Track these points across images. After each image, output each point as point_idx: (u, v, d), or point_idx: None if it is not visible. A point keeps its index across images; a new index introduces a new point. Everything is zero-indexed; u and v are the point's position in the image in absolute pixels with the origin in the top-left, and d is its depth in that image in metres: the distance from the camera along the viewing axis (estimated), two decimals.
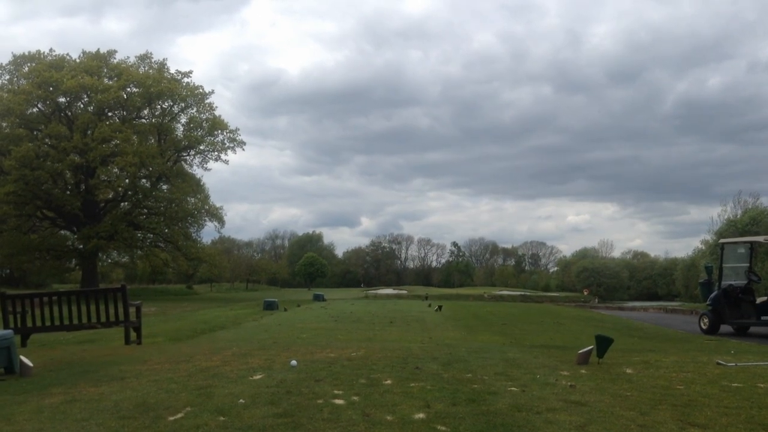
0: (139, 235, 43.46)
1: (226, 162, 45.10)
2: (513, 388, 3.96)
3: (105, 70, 41.02)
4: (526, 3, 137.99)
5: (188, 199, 43.18)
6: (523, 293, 63.30)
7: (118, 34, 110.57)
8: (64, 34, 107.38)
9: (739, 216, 35.55)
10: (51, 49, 41.18)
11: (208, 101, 43.39)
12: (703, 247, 40.76)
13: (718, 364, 5.18)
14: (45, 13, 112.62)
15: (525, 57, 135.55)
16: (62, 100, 39.51)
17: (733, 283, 15.05)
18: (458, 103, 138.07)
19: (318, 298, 30.02)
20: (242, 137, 45.13)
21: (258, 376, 4.50)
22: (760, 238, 16.79)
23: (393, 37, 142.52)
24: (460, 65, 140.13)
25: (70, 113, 40.56)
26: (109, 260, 50.17)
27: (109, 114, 41.82)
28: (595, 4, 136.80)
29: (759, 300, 14.64)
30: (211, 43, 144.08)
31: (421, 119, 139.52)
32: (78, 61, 40.98)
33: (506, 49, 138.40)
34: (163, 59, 43.79)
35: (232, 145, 43.87)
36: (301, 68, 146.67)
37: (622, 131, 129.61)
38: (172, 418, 3.30)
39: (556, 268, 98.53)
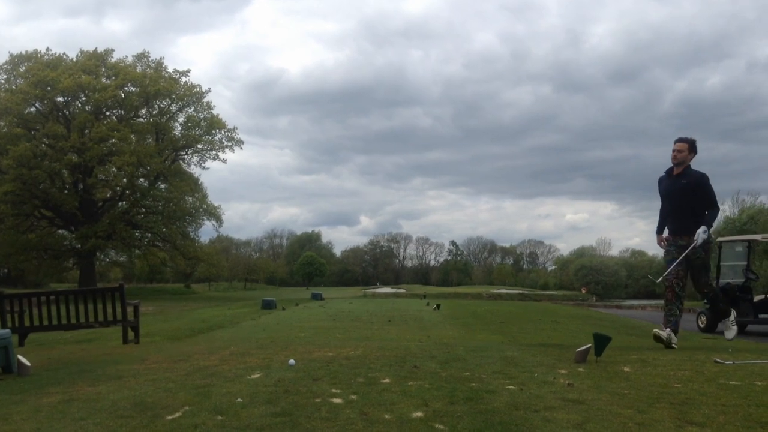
0: (137, 234, 43.43)
1: (224, 161, 45.18)
2: (511, 387, 3.96)
3: (102, 70, 40.96)
4: (527, 3, 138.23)
5: (186, 198, 43.19)
6: (521, 292, 63.37)
7: (120, 35, 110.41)
8: (66, 34, 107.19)
9: (737, 215, 35.60)
10: (48, 49, 41.12)
11: (205, 100, 43.40)
12: None
13: (716, 362, 5.18)
14: (47, 13, 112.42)
15: (525, 57, 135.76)
16: (60, 99, 39.47)
17: (731, 281, 15.06)
18: (459, 102, 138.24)
19: (316, 297, 30.01)
20: (242, 137, 45.52)
21: (256, 375, 4.50)
22: (758, 237, 16.81)
23: (394, 36, 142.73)
24: (461, 65, 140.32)
25: (67, 112, 40.51)
26: (107, 259, 50.18)
27: (107, 113, 41.78)
28: (595, 3, 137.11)
29: (757, 298, 14.66)
30: (212, 42, 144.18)
31: (421, 119, 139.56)
32: (75, 60, 40.91)
33: (507, 48, 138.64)
34: (160, 58, 43.84)
35: (230, 144, 43.94)
36: (302, 68, 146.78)
37: (621, 130, 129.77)
38: (170, 417, 3.29)
39: (554, 267, 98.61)
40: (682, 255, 6.35)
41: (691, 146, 6.59)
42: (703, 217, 6.49)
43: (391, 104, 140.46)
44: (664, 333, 6.35)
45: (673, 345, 6.33)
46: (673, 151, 6.60)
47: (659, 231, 6.89)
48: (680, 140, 6.60)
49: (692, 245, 6.30)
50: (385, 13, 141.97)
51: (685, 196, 6.51)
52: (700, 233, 6.28)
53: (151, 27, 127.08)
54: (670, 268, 6.43)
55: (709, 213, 6.50)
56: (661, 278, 6.71)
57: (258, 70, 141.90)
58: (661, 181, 6.86)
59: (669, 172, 6.73)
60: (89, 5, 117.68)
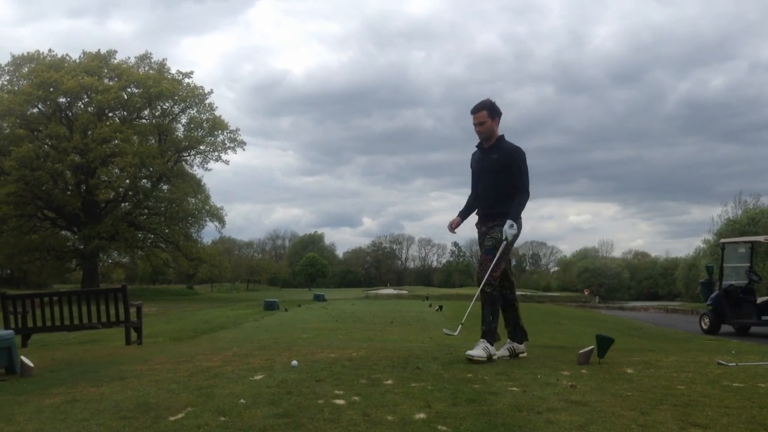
0: (139, 235, 43.47)
1: (227, 162, 45.15)
2: (514, 388, 3.96)
3: (105, 71, 41.00)
4: (529, 4, 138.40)
5: (189, 199, 43.24)
6: (523, 293, 63.27)
7: (124, 36, 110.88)
8: (70, 35, 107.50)
9: (739, 216, 35.54)
10: (50, 50, 41.18)
11: (208, 101, 43.44)
12: (704, 247, 40.75)
13: (719, 364, 5.17)
14: (51, 14, 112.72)
15: (528, 58, 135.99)
16: (62, 100, 39.52)
17: (734, 282, 15.05)
18: (461, 103, 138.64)
19: (318, 298, 30.02)
20: (245, 138, 45.34)
21: (259, 377, 4.50)
22: (761, 238, 16.80)
23: (396, 37, 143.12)
24: (464, 66, 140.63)
25: (70, 114, 40.57)
26: (110, 260, 50.26)
27: (110, 114, 41.83)
28: (597, 4, 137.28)
29: (760, 300, 14.65)
30: (215, 44, 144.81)
31: (423, 120, 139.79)
32: (78, 61, 40.96)
33: (509, 49, 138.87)
34: (163, 59, 43.87)
35: (232, 145, 43.95)
36: (305, 69, 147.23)
37: (624, 131, 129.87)
38: (172, 418, 3.29)
39: (556, 268, 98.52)
40: (496, 257, 5.19)
41: (491, 110, 5.39)
42: (510, 198, 5.33)
43: (394, 105, 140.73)
44: (475, 349, 5.15)
45: (494, 357, 5.18)
46: (475, 125, 5.40)
47: (459, 214, 5.71)
48: (476, 109, 5.40)
49: (503, 243, 5.20)
50: (387, 14, 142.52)
51: (494, 174, 5.36)
52: (507, 230, 5.15)
53: (155, 28, 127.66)
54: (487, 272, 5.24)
55: (515, 200, 5.31)
56: (455, 331, 5.35)
57: (261, 71, 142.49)
58: (473, 155, 5.65)
59: (480, 145, 5.55)
60: (93, 6, 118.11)
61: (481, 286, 5.26)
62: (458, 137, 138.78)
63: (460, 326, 5.35)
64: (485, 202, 5.48)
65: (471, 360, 5.03)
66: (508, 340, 5.61)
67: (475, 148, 5.62)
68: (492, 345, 5.23)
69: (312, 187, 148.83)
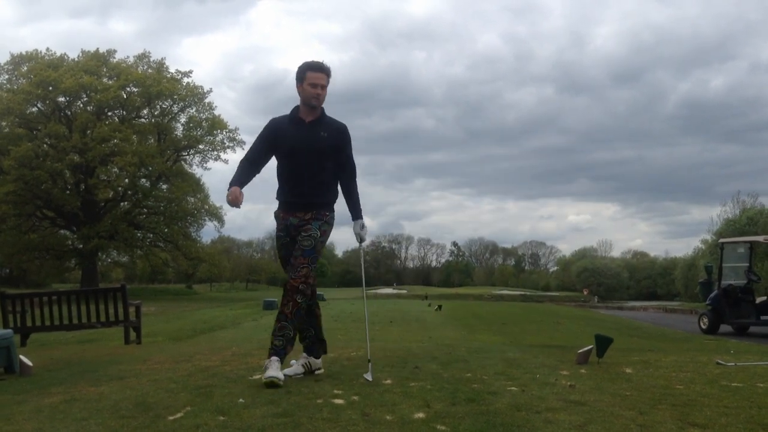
0: (138, 234, 43.47)
1: (226, 162, 45.10)
2: (513, 388, 3.96)
3: (104, 70, 40.99)
4: (530, 4, 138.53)
5: (188, 198, 43.25)
6: (522, 293, 63.35)
7: (125, 36, 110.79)
8: (71, 35, 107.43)
9: (738, 216, 35.60)
10: (48, 49, 41.13)
11: (207, 101, 43.41)
12: (703, 247, 40.81)
13: (718, 363, 5.18)
14: (53, 14, 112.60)
15: (529, 58, 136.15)
16: (61, 99, 39.52)
17: (732, 282, 15.06)
18: (462, 103, 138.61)
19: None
20: (245, 137, 45.25)
21: (258, 376, 4.49)
22: (760, 238, 16.82)
23: (397, 38, 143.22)
24: (464, 66, 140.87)
25: (69, 113, 40.55)
26: (109, 260, 50.25)
27: (109, 113, 41.82)
28: (598, 5, 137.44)
29: (759, 300, 14.66)
30: (216, 44, 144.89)
31: (424, 120, 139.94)
32: (77, 60, 40.94)
33: (510, 50, 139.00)
34: (162, 58, 43.87)
35: (231, 144, 43.93)
36: None
37: (625, 132, 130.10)
38: (171, 418, 3.29)
39: (555, 268, 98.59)
40: (314, 264, 4.34)
41: (330, 77, 4.45)
42: (335, 187, 4.48)
43: (395, 105, 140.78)
44: (274, 370, 4.05)
45: (279, 382, 3.98)
46: (315, 86, 4.33)
47: (238, 183, 4.33)
48: (324, 69, 4.39)
49: (359, 246, 4.65)
50: (388, 14, 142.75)
51: (320, 155, 4.34)
52: (360, 232, 4.50)
53: (156, 28, 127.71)
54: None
55: (354, 191, 4.53)
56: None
57: (262, 71, 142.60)
58: (278, 127, 4.43)
59: (294, 117, 4.43)
60: (94, 7, 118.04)
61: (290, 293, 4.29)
62: (459, 137, 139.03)
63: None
64: (300, 188, 4.38)
65: (274, 383, 3.97)
66: (304, 354, 4.69)
67: (283, 118, 4.48)
68: (282, 362, 4.23)
69: None
